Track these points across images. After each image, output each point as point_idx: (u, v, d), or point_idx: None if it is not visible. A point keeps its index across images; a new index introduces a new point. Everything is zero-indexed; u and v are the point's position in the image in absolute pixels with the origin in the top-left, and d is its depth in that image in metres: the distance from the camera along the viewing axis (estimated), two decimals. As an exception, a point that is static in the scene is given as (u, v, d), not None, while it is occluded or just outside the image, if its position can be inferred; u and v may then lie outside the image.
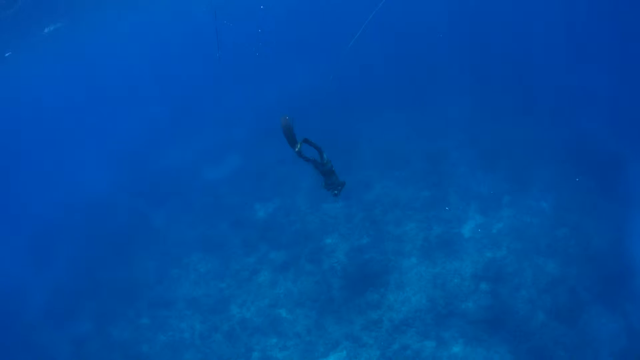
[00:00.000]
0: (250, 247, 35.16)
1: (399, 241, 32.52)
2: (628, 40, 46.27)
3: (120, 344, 31.54)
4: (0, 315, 35.74)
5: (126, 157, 52.31)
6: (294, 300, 30.71)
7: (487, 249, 30.72)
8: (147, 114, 61.40)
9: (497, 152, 37.92)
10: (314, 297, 30.43)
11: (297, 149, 17.19)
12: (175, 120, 57.36)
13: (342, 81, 51.95)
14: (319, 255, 32.90)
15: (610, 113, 38.44)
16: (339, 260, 32.22)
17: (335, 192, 18.95)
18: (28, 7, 37.02)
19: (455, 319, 27.45)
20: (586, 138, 37.71)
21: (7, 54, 48.33)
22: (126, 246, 38.89)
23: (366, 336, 27.79)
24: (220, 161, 45.85)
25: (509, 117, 41.75)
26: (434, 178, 36.59)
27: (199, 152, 48.12)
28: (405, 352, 26.71)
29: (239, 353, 28.93)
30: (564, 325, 26.10)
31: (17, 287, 38.34)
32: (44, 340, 33.08)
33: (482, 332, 26.57)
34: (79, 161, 55.70)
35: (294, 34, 75.06)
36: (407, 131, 42.89)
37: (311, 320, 29.38)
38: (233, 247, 35.67)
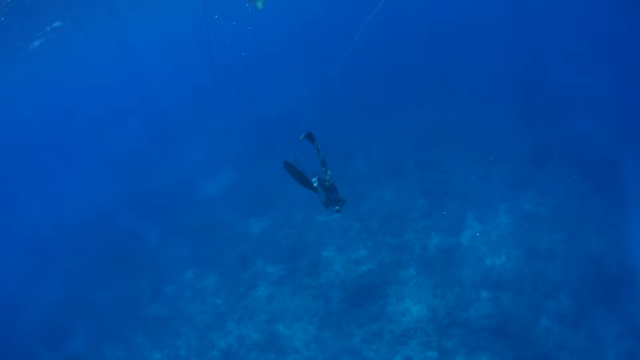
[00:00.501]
0: (246, 262, 34.39)
1: (397, 252, 31.77)
2: (623, 42, 46.24)
3: None
4: (-5, 333, 34.68)
5: (120, 174, 51.74)
6: (292, 315, 29.87)
7: (486, 257, 30.04)
8: (140, 130, 60.68)
9: (491, 158, 37.38)
10: (312, 311, 29.61)
11: (315, 184, 17.99)
12: (168, 136, 56.89)
13: (336, 93, 50.89)
14: (316, 268, 32.14)
15: (605, 115, 38.38)
16: (337, 273, 31.42)
17: (337, 207, 19.12)
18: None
19: (457, 329, 26.66)
20: (582, 140, 37.27)
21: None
22: (120, 264, 38.20)
23: (367, 349, 26.96)
24: (213, 176, 45.18)
25: (503, 123, 41.35)
26: (429, 187, 36.00)
27: (193, 168, 47.59)
28: None
29: None
30: (568, 329, 25.40)
31: (11, 305, 37.75)
32: (34, 358, 32.36)
33: (485, 340, 25.81)
34: (72, 179, 55.27)
35: (287, 45, 74.67)
36: (401, 140, 42.23)
37: (310, 334, 28.53)
38: (228, 262, 34.88)
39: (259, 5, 23.49)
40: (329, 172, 18.66)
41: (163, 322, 32.28)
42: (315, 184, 18.18)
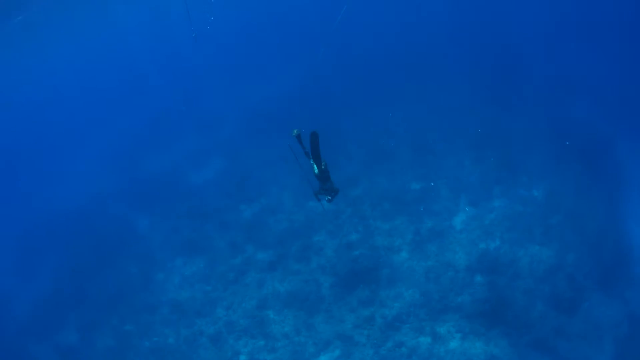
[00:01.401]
0: (236, 248, 33.08)
1: (389, 236, 30.62)
2: (614, 29, 45.01)
3: (105, 352, 29.53)
4: (-15, 325, 33.56)
5: (109, 163, 50.04)
6: (282, 300, 28.75)
7: (480, 240, 28.99)
8: (130, 119, 59.11)
9: (485, 142, 36.13)
10: (303, 297, 28.48)
11: (323, 166, 17.75)
12: (159, 124, 55.23)
13: (326, 78, 50.70)
14: (307, 253, 30.96)
15: (595, 99, 37.35)
16: (328, 258, 30.27)
17: (329, 197, 18.78)
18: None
19: (451, 313, 25.68)
20: (574, 124, 36.07)
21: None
22: (111, 253, 36.58)
23: (358, 334, 25.93)
24: (204, 164, 43.72)
25: (496, 106, 39.94)
26: (422, 170, 34.80)
27: (183, 156, 45.95)
28: (400, 349, 24.94)
29: (225, 357, 27.02)
30: (565, 314, 24.49)
31: (1, 296, 36.24)
32: (29, 351, 31.11)
33: (480, 325, 24.84)
34: (61, 168, 53.55)
35: (276, 32, 73.50)
36: (393, 125, 41.05)
37: (300, 320, 27.45)
38: (218, 249, 33.57)
39: None
40: (323, 162, 17.94)
41: (152, 309, 31.04)
42: (317, 170, 17.75)
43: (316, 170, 18.40)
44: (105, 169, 48.90)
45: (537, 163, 33.21)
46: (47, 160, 57.54)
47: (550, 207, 30.03)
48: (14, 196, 50.86)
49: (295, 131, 17.97)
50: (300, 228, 32.88)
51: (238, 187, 38.71)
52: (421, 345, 24.78)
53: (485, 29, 53.77)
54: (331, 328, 26.55)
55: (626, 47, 41.86)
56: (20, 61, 64.10)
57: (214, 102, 55.79)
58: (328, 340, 26.15)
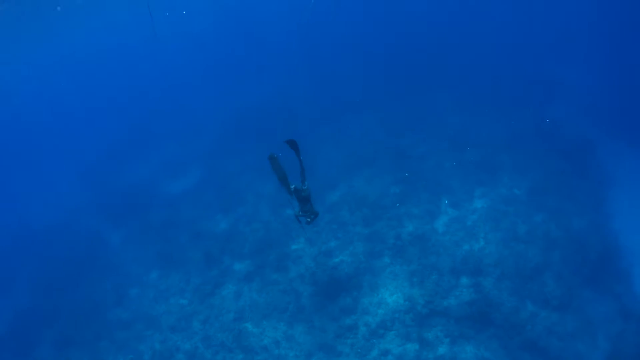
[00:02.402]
0: (212, 260, 31.57)
1: (369, 241, 29.08)
2: (596, 33, 45.26)
3: None
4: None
5: (83, 178, 48.89)
6: (260, 312, 27.07)
7: (463, 242, 27.59)
8: (104, 132, 58.03)
9: (465, 144, 35.21)
10: (282, 307, 26.84)
11: (292, 189, 16.88)
12: (133, 137, 54.19)
13: (301, 86, 50.30)
14: (285, 262, 29.30)
15: (576, 101, 37.23)
16: (307, 267, 28.53)
17: (308, 219, 17.94)
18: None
19: (437, 318, 24.14)
20: (554, 124, 35.55)
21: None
22: (85, 268, 35.24)
23: (341, 344, 24.27)
24: (180, 174, 42.70)
25: (475, 108, 39.36)
26: (402, 174, 33.41)
27: (158, 168, 44.99)
28: (386, 357, 23.41)
29: None
30: (556, 313, 23.22)
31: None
32: None
33: (469, 329, 23.39)
34: (33, 184, 52.83)
35: (251, 43, 72.65)
36: (371, 130, 40.05)
37: (279, 332, 25.78)
38: (194, 261, 32.08)
39: None
40: (306, 182, 17.10)
41: (126, 325, 29.48)
42: (291, 188, 16.70)
43: (300, 187, 17.38)
44: (79, 182, 47.78)
45: (517, 163, 32.39)
46: (18, 175, 56.30)
47: (534, 205, 28.89)
48: None
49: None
50: (278, 237, 31.27)
51: (215, 196, 37.54)
52: (408, 352, 23.19)
53: (466, 32, 53.39)
54: (312, 339, 24.89)
55: (608, 51, 41.91)
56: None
57: (193, 112, 55.08)
58: (310, 352, 24.47)
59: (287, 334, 25.51)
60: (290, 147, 16.46)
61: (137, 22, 73.58)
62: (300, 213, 17.97)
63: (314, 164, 34.19)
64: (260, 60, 64.91)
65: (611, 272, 24.66)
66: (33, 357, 29.55)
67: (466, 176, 32.30)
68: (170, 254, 33.33)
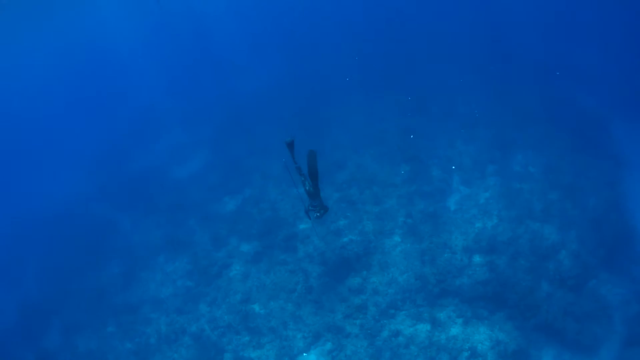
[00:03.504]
0: (220, 241, 30.41)
1: (379, 219, 27.90)
2: (609, 11, 43.94)
3: (86, 355, 26.89)
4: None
5: (91, 165, 47.77)
6: (268, 293, 25.96)
7: (476, 220, 26.53)
8: (113, 117, 57.37)
9: (476, 121, 34.09)
10: (290, 288, 25.72)
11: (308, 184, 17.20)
12: (142, 122, 53.15)
13: (311, 67, 49.52)
14: (293, 242, 28.18)
15: (590, 79, 35.66)
16: (315, 246, 27.39)
17: (317, 214, 18.17)
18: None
19: (450, 298, 23.08)
20: (567, 102, 34.32)
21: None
22: (93, 254, 34.00)
23: (350, 325, 23.19)
24: (187, 158, 41.50)
25: (486, 87, 37.76)
26: (412, 152, 32.22)
27: (166, 152, 43.77)
28: (396, 339, 22.26)
29: (209, 356, 24.23)
30: (572, 293, 22.13)
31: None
32: (10, 355, 28.86)
33: (482, 309, 22.34)
34: (42, 169, 51.96)
35: (260, 27, 71.56)
36: (380, 110, 38.67)
37: (287, 313, 24.68)
38: (201, 243, 30.92)
39: None
40: (307, 182, 17.41)
41: (133, 309, 28.42)
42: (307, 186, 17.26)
43: (307, 186, 17.58)
44: (86, 169, 46.71)
45: (530, 140, 31.19)
46: (27, 161, 55.73)
47: (548, 183, 27.71)
48: None
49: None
50: (285, 217, 30.10)
51: (221, 179, 36.35)
52: (419, 333, 22.10)
53: (479, 10, 52.60)
54: (321, 319, 23.80)
55: (624, 28, 40.13)
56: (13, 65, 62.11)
57: (200, 96, 54.07)
58: (318, 333, 23.43)
59: (295, 315, 24.43)
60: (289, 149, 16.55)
61: (144, 8, 72.66)
62: (310, 207, 18.11)
63: (321, 144, 33.25)
64: (266, 43, 63.97)
65: (628, 254, 23.47)
66: (41, 345, 28.67)
67: (478, 154, 31.12)
68: (177, 237, 32.21)
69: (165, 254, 31.42)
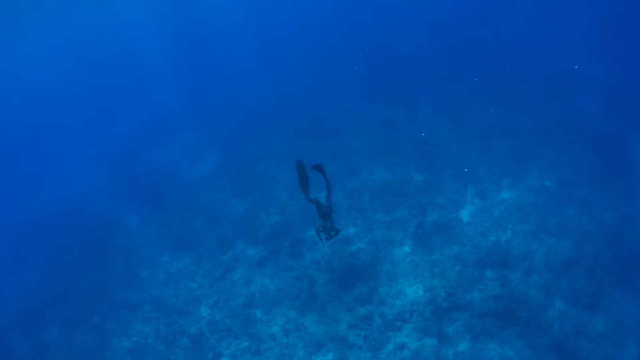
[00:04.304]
0: (226, 243, 29.59)
1: (390, 229, 26.98)
2: (625, 29, 43.17)
3: (83, 350, 26.34)
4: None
5: (105, 161, 47.41)
6: (271, 298, 25.13)
7: (490, 233, 25.50)
8: (127, 117, 56.96)
9: (492, 133, 33.11)
10: (294, 295, 24.84)
11: (307, 196, 16.22)
12: (157, 122, 52.84)
13: (326, 73, 49.02)
14: (300, 248, 27.34)
15: (608, 94, 34.50)
16: (323, 254, 26.37)
17: (327, 235, 17.08)
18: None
19: (459, 312, 22.03)
20: (585, 117, 33.26)
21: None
22: (99, 250, 33.58)
23: (354, 336, 22.22)
24: (199, 160, 40.68)
25: (502, 99, 37.12)
26: (425, 161, 31.26)
27: (179, 153, 43.17)
28: (401, 352, 21.34)
29: (206, 359, 23.28)
30: (586, 312, 21.11)
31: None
32: (8, 347, 28.22)
33: (492, 325, 21.21)
34: (55, 164, 51.70)
35: (277, 31, 71.16)
36: (395, 118, 37.84)
37: (289, 320, 23.81)
38: (207, 244, 30.11)
39: None
40: (330, 199, 16.56)
41: (134, 307, 27.79)
42: (311, 198, 16.13)
43: (324, 202, 16.77)
44: (100, 166, 46.19)
45: (547, 154, 30.24)
46: (40, 155, 55.75)
47: (564, 197, 26.74)
48: (6, 190, 48.81)
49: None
50: (294, 222, 29.18)
51: (232, 181, 35.69)
52: (426, 347, 21.04)
53: (494, 23, 51.95)
54: (324, 328, 22.82)
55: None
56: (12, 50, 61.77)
57: (216, 97, 53.90)
58: (320, 342, 22.44)
59: (297, 322, 23.51)
60: (318, 171, 15.80)
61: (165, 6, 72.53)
62: (320, 228, 17.12)
63: (334, 150, 33.52)
64: (283, 48, 63.50)
65: (645, 274, 22.15)
66: (40, 337, 28.08)
67: (493, 166, 30.09)
68: (184, 237, 31.41)
69: (170, 253, 30.66)
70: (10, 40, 54.72)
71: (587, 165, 28.54)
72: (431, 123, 35.77)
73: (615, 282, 21.89)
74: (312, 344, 22.35)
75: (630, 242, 23.46)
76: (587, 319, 20.70)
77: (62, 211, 40.50)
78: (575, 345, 19.93)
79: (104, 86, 71.91)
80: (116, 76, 73.45)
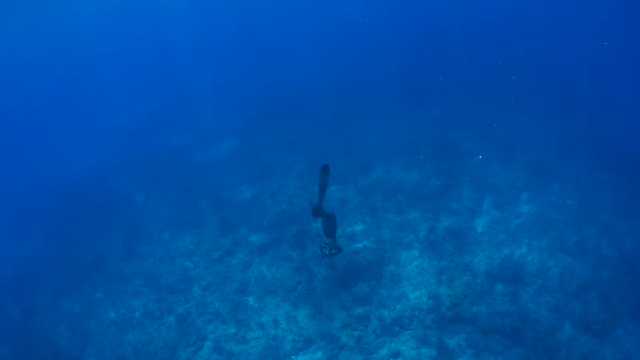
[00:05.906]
0: (228, 227, 28.10)
1: (399, 230, 25.21)
2: None
3: (69, 317, 25.52)
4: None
5: (120, 138, 46.65)
6: (266, 286, 23.52)
7: (504, 245, 23.72)
8: (147, 98, 56.59)
9: (515, 145, 31.19)
10: (290, 286, 23.22)
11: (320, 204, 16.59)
12: (178, 106, 51.76)
13: (355, 73, 47.89)
14: (303, 239, 25.67)
15: (636, 117, 32.56)
16: (324, 268, 24.36)
17: (328, 253, 17.54)
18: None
19: (463, 324, 20.28)
20: (613, 138, 31.47)
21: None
22: (102, 222, 32.52)
23: (347, 336, 20.53)
24: (214, 145, 39.53)
25: (528, 112, 35.58)
26: (444, 166, 29.40)
27: (197, 136, 41.96)
28: (395, 359, 18.91)
29: (188, 341, 22.17)
30: (596, 340, 19.25)
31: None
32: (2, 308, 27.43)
33: (497, 343, 19.46)
34: (69, 135, 51.79)
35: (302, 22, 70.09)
36: (416, 120, 36.23)
37: (281, 311, 22.24)
38: (209, 226, 28.77)
39: None
40: (337, 222, 17.01)
41: (126, 279, 26.73)
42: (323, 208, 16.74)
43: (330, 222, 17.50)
44: (114, 142, 45.77)
45: (569, 171, 28.38)
46: (58, 128, 55.40)
47: (585, 217, 24.71)
48: (16, 157, 49.03)
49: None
50: (300, 212, 27.52)
51: (243, 167, 34.49)
52: (422, 357, 19.34)
53: (525, 36, 50.87)
54: (316, 324, 21.19)
55: None
56: (36, 21, 61.27)
57: (240, 83, 53.40)
58: (310, 338, 20.82)
59: (289, 314, 21.93)
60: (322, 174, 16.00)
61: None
62: (323, 245, 17.44)
63: (350, 146, 32.50)
64: (309, 42, 62.39)
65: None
66: (28, 303, 27.17)
67: (514, 178, 28.12)
68: (187, 217, 30.13)
69: (171, 231, 29.39)
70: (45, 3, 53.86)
71: (611, 187, 26.61)
72: (454, 128, 34.18)
73: (630, 312, 20.02)
74: (301, 339, 20.75)
75: (650, 273, 21.44)
76: (597, 348, 18.87)
77: (71, 183, 39.71)
78: (581, 374, 18.02)
79: (135, 63, 71.31)
80: (147, 58, 72.91)
